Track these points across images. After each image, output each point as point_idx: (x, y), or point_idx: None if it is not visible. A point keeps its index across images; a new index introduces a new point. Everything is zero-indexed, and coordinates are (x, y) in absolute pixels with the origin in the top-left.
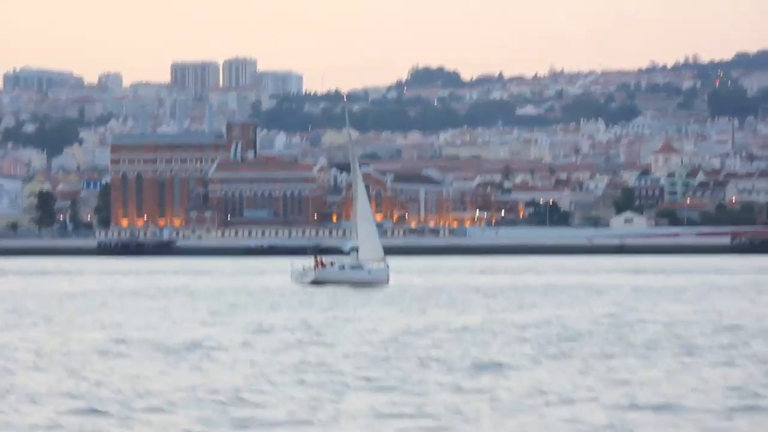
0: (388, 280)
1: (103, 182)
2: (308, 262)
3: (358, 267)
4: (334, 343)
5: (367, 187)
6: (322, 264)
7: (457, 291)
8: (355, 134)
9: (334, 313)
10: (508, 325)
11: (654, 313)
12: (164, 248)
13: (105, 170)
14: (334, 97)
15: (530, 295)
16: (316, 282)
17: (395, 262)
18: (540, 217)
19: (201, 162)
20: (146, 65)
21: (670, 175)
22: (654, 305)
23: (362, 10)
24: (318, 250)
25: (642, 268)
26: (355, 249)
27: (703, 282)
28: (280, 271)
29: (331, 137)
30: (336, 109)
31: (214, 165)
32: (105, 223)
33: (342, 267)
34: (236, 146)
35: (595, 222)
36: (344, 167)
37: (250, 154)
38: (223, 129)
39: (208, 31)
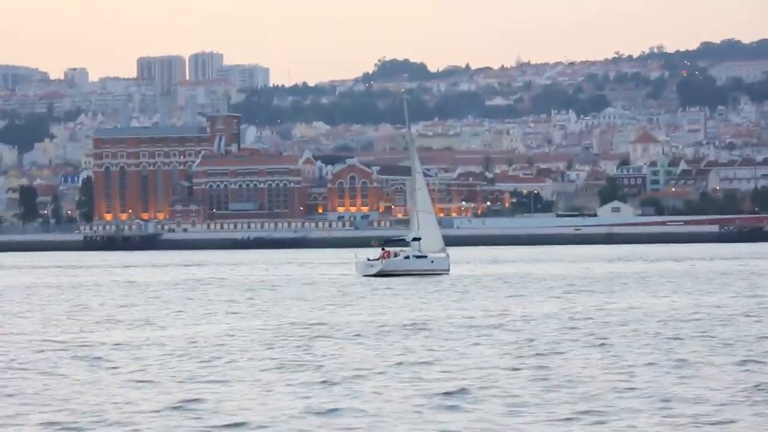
0: (449, 269)
1: (82, 177)
2: (372, 253)
3: (422, 257)
4: None
5: (352, 178)
6: (389, 254)
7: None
8: (325, 127)
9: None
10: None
11: None
12: (150, 242)
13: (78, 165)
14: (301, 90)
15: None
16: (383, 272)
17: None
18: (524, 207)
19: (184, 155)
20: (112, 60)
21: (652, 164)
22: None
23: (326, 4)
24: (385, 241)
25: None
26: (418, 239)
27: None
28: (315, 263)
29: (301, 130)
30: (305, 102)
31: (199, 158)
32: (88, 217)
33: (407, 257)
34: (220, 139)
35: (580, 211)
36: (329, 160)
37: (233, 147)
38: (204, 122)
39: (173, 25)
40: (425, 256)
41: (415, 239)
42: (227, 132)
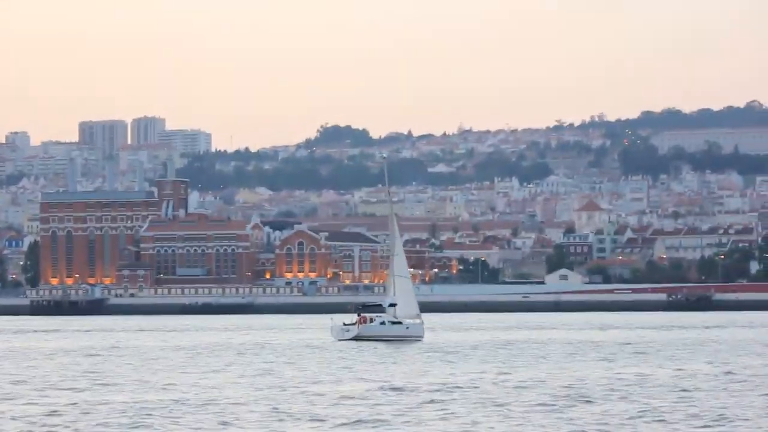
0: (423, 335)
1: (26, 241)
2: (348, 318)
3: (398, 323)
4: None
5: (300, 244)
6: (365, 320)
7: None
8: (268, 192)
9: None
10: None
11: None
12: (97, 307)
13: (21, 228)
14: (244, 155)
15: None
16: (359, 337)
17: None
18: (471, 274)
19: (132, 220)
20: (54, 124)
21: (598, 232)
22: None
23: (269, 70)
24: (361, 307)
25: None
26: (394, 305)
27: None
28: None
29: (244, 195)
30: (248, 167)
31: (146, 223)
32: (33, 281)
33: (383, 323)
34: (167, 204)
35: (527, 279)
36: (276, 225)
37: (180, 212)
38: (146, 187)
39: (115, 89)
40: (401, 322)
41: (391, 305)
42: (175, 197)
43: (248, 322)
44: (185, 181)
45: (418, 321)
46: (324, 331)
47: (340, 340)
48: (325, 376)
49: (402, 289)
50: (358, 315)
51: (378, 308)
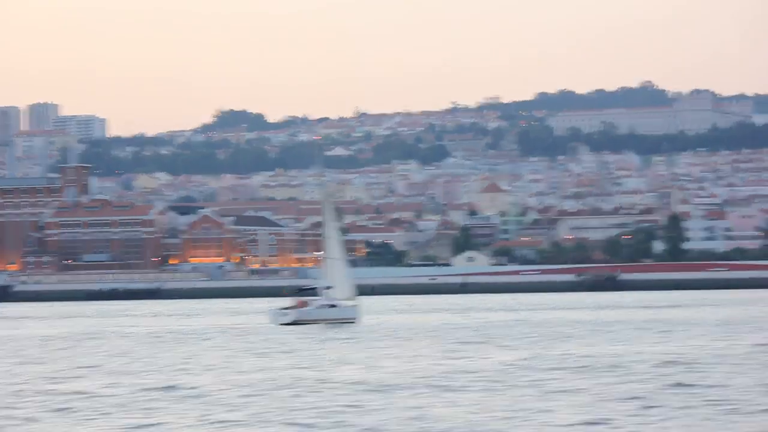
0: (358, 318)
1: None
2: (285, 302)
3: (333, 306)
4: None
5: (206, 229)
6: (303, 303)
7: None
8: (167, 177)
9: None
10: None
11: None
12: (3, 294)
13: None
14: (140, 140)
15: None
16: (297, 322)
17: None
18: (376, 257)
19: (35, 206)
20: None
21: (502, 213)
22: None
23: (161, 53)
24: (298, 291)
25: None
26: (329, 288)
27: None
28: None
29: (143, 181)
30: (145, 153)
31: (51, 209)
32: None
33: (319, 306)
34: (71, 190)
35: (433, 261)
36: (182, 210)
37: (84, 198)
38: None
39: (7, 75)
40: (335, 305)
41: (326, 288)
42: (78, 182)
43: (161, 308)
44: (87, 166)
45: (352, 303)
46: (261, 315)
47: (280, 324)
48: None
49: (336, 271)
50: (296, 299)
51: (313, 291)
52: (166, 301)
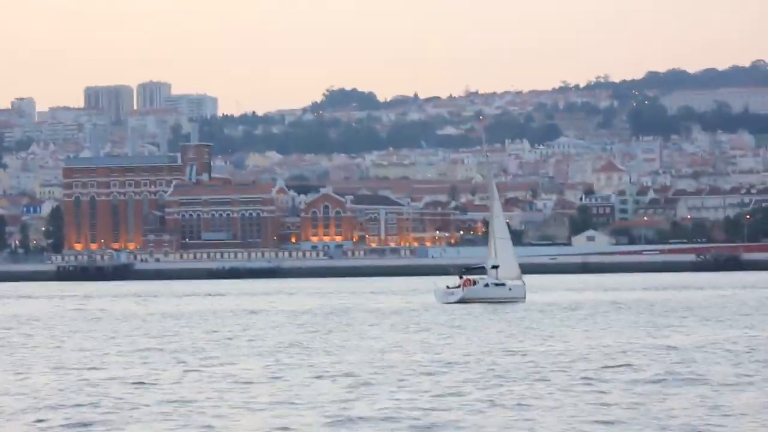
0: (525, 297)
1: (43, 207)
2: (452, 281)
3: (501, 285)
4: None
5: (326, 208)
6: (470, 282)
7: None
8: (278, 157)
9: None
10: None
11: None
12: (123, 272)
13: (33, 194)
14: (251, 119)
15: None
16: (464, 300)
17: (362, 282)
18: None
19: (155, 185)
20: (59, 90)
21: (620, 193)
22: None
23: (269, 33)
24: (464, 269)
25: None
26: (496, 267)
27: None
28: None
29: (254, 159)
30: (256, 132)
31: (171, 187)
32: (56, 247)
33: (487, 285)
34: (191, 168)
35: (551, 240)
36: (302, 189)
37: (204, 177)
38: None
39: (119, 54)
40: (503, 284)
41: (493, 267)
42: (198, 161)
43: (322, 285)
44: (209, 145)
45: (519, 282)
46: (426, 294)
47: (445, 303)
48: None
49: (503, 250)
50: (460, 277)
51: (480, 270)
52: (290, 280)
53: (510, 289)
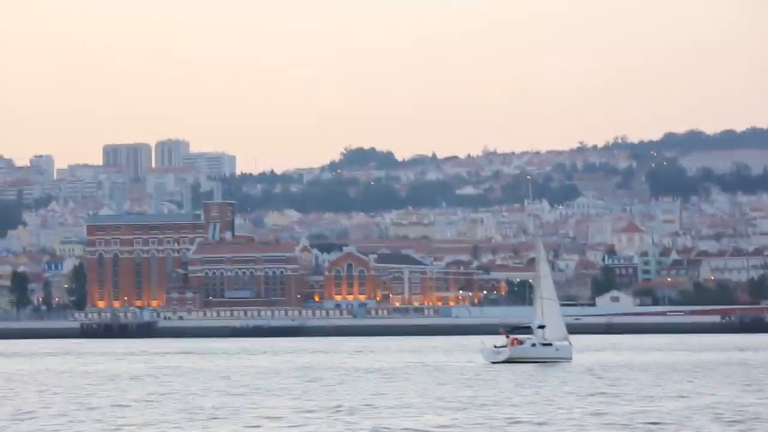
0: (571, 357)
1: (65, 264)
2: (498, 340)
3: (547, 345)
4: None
5: (350, 266)
6: (517, 342)
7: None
8: (297, 215)
9: None
10: None
11: None
12: (147, 330)
13: (53, 251)
14: (269, 178)
15: None
16: (511, 359)
17: (384, 342)
18: (516, 296)
19: (179, 243)
20: (77, 147)
21: (643, 254)
22: None
23: (290, 90)
24: (511, 329)
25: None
26: (542, 327)
27: None
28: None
29: (273, 218)
30: (274, 190)
31: (194, 245)
32: (79, 305)
33: (533, 344)
34: (214, 227)
35: (574, 301)
36: (324, 248)
37: (227, 235)
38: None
39: (138, 111)
40: (550, 344)
41: (540, 327)
42: (221, 219)
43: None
44: (231, 203)
45: (566, 343)
46: (471, 353)
47: (492, 362)
48: None
49: (550, 311)
50: (507, 336)
51: (527, 330)
52: (308, 339)
53: (557, 349)
